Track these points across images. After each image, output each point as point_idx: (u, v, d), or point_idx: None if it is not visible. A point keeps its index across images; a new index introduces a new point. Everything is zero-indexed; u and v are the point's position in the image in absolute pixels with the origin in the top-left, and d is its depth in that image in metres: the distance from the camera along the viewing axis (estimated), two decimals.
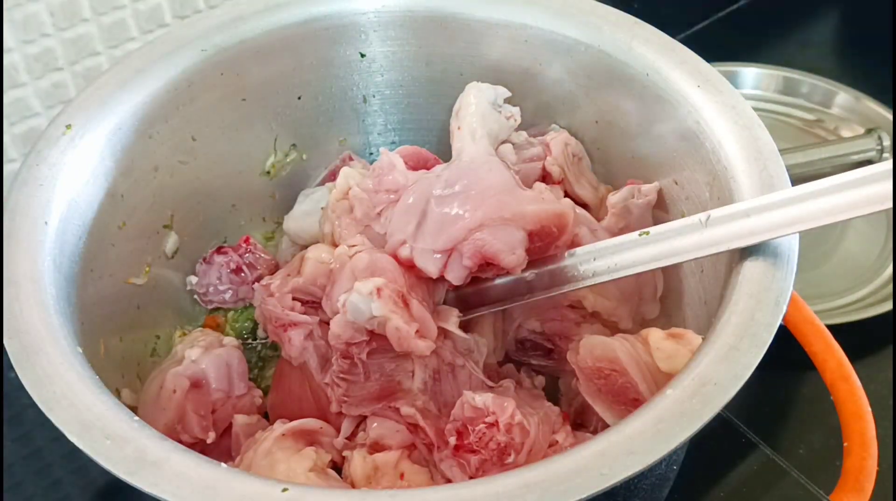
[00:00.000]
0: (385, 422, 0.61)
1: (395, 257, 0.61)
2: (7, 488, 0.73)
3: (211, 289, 0.73)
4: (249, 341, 0.74)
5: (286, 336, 0.64)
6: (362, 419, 0.62)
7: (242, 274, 0.74)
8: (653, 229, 0.57)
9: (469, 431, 0.56)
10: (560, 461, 0.44)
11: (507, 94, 0.74)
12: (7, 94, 0.82)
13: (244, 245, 0.74)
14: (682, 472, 0.64)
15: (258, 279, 0.71)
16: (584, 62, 0.71)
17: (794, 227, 0.51)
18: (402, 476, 0.59)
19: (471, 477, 0.55)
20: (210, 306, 0.74)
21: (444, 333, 0.61)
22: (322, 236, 0.71)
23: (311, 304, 0.66)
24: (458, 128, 0.71)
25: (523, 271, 0.61)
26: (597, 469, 0.43)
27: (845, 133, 1.03)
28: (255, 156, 0.77)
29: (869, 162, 0.96)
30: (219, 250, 0.74)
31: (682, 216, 0.64)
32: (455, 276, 0.59)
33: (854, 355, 0.63)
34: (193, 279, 0.74)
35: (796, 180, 0.55)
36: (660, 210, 0.69)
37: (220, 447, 0.64)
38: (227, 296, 0.74)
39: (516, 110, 0.74)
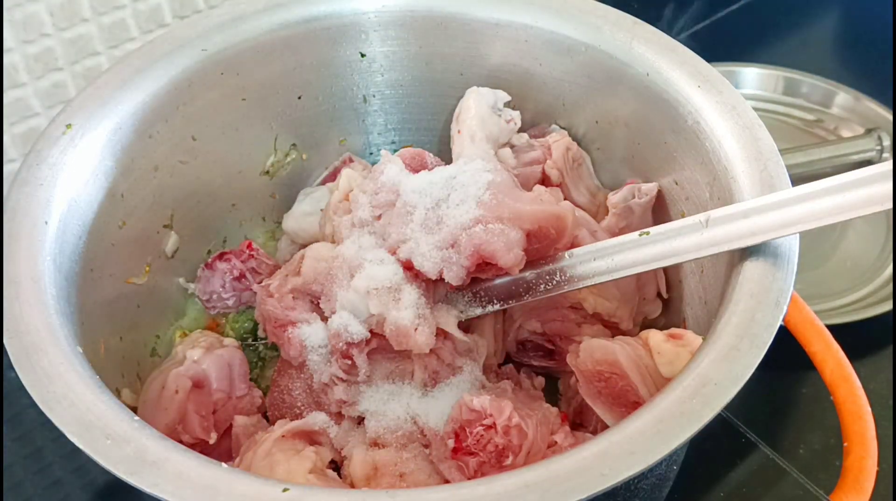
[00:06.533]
0: (384, 421, 0.61)
1: (395, 257, 0.61)
2: (7, 488, 0.73)
3: (214, 296, 0.73)
4: (250, 341, 0.74)
5: (286, 336, 0.64)
6: (362, 419, 0.62)
7: (245, 281, 0.74)
8: (653, 229, 0.57)
9: (467, 433, 0.56)
10: (560, 461, 0.44)
11: (507, 98, 0.74)
12: (7, 94, 0.82)
13: (246, 251, 0.74)
14: (682, 472, 0.64)
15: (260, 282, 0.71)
16: (584, 62, 0.71)
17: (794, 227, 0.51)
18: (401, 476, 0.58)
19: (469, 479, 0.55)
20: (213, 312, 0.74)
21: (443, 334, 0.61)
22: (322, 236, 0.71)
23: (311, 303, 0.66)
24: (458, 132, 0.72)
25: (522, 271, 0.61)
26: (597, 469, 0.43)
27: (845, 133, 1.03)
28: (255, 156, 0.77)
29: (869, 162, 0.96)
30: (221, 257, 0.74)
31: (682, 216, 0.64)
32: (453, 276, 0.59)
33: (854, 355, 0.63)
34: (195, 286, 0.74)
35: (796, 180, 0.55)
36: (660, 210, 0.69)
37: (221, 447, 0.64)
38: (231, 303, 0.74)
39: (516, 114, 0.74)
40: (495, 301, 0.63)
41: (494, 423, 0.56)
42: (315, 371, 0.64)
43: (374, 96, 0.79)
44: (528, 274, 0.62)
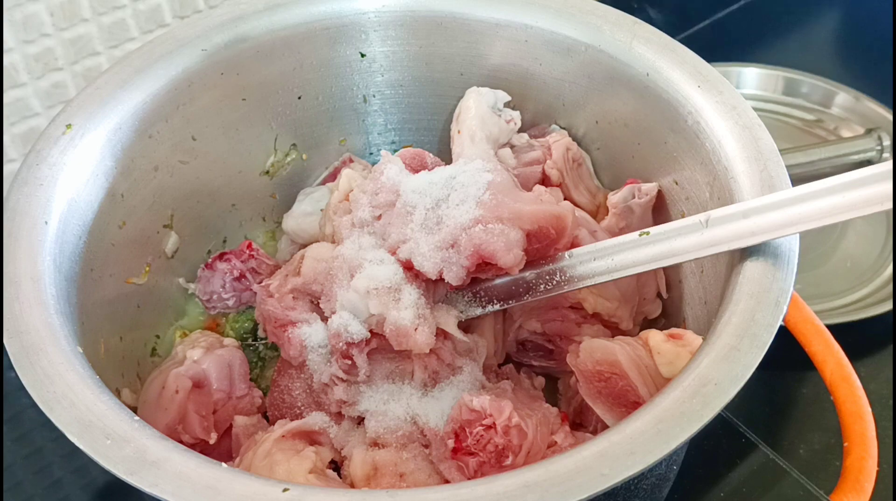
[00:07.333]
0: (384, 421, 0.61)
1: (395, 257, 0.61)
2: (7, 488, 0.73)
3: (214, 296, 0.73)
4: (250, 341, 0.74)
5: (286, 336, 0.64)
6: (362, 419, 0.62)
7: (245, 281, 0.74)
8: (653, 229, 0.57)
9: (467, 433, 0.56)
10: (560, 461, 0.44)
11: (507, 98, 0.74)
12: (7, 94, 0.82)
13: (247, 251, 0.74)
14: (682, 472, 0.64)
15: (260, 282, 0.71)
16: (584, 62, 0.71)
17: (794, 227, 0.51)
18: (401, 476, 0.58)
19: (469, 479, 0.55)
20: (213, 312, 0.74)
21: (443, 334, 0.61)
22: (322, 236, 0.72)
23: (311, 303, 0.66)
24: (458, 132, 0.72)
25: (522, 271, 0.61)
26: (597, 469, 0.43)
27: (845, 133, 1.03)
28: (255, 156, 0.77)
29: (869, 162, 0.96)
30: (221, 257, 0.74)
31: (682, 216, 0.64)
32: (453, 276, 0.59)
33: (854, 355, 0.63)
34: (195, 286, 0.74)
35: (796, 180, 0.55)
36: (660, 210, 0.69)
37: (221, 447, 0.64)
38: (231, 303, 0.74)
39: (516, 114, 0.74)
40: (495, 301, 0.63)
41: (494, 423, 0.56)
42: (315, 371, 0.64)
43: (374, 96, 0.79)
44: (528, 274, 0.62)
